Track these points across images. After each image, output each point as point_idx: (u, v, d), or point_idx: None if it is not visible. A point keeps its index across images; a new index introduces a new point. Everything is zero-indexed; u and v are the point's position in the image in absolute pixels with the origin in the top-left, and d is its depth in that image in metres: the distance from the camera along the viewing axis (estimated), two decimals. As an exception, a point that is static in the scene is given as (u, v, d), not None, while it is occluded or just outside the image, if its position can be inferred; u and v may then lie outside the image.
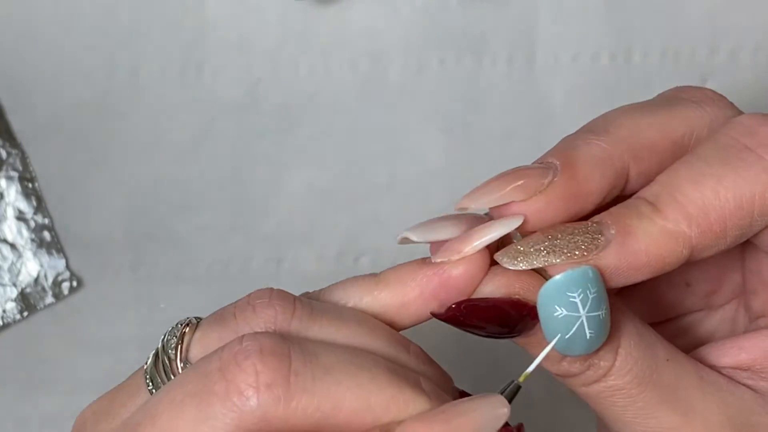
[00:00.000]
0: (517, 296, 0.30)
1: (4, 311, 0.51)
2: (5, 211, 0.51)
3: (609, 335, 0.31)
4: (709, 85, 0.51)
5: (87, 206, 0.51)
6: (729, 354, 0.33)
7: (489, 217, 0.31)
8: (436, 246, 0.31)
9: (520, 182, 0.31)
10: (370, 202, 0.51)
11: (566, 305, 0.29)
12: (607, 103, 0.51)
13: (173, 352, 0.30)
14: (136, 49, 0.50)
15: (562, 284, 0.29)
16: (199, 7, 0.50)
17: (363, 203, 0.51)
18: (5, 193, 0.51)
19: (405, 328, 0.31)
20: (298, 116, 0.51)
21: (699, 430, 0.32)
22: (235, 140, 0.51)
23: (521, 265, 0.30)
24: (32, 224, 0.51)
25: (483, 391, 0.30)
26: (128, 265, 0.52)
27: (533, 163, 0.32)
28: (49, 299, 0.51)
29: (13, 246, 0.51)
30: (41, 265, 0.51)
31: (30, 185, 0.51)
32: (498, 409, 0.28)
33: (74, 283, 0.51)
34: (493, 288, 0.30)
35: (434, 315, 0.31)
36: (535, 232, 0.31)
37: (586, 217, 0.31)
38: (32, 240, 0.51)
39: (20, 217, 0.51)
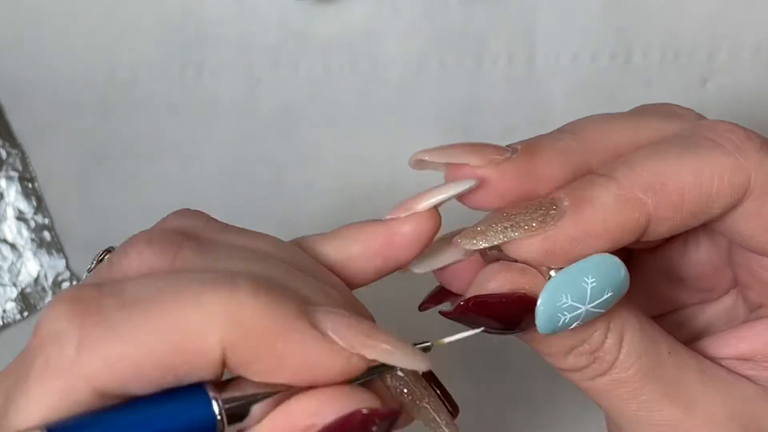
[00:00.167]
0: (523, 291, 0.30)
1: (4, 311, 0.51)
2: (5, 211, 0.51)
3: (612, 328, 0.31)
4: (709, 86, 0.51)
5: (87, 206, 0.51)
6: (729, 345, 0.33)
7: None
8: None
9: (478, 149, 0.31)
10: (370, 202, 0.51)
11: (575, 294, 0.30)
12: (607, 103, 0.51)
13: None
14: (136, 49, 0.50)
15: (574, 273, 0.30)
16: (199, 7, 0.50)
17: (363, 203, 0.51)
18: (5, 193, 0.51)
19: (356, 287, 0.31)
20: (298, 116, 0.51)
21: (701, 424, 0.32)
22: (235, 140, 0.51)
23: (481, 243, 0.30)
24: (32, 224, 0.51)
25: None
26: (128, 265, 0.52)
27: None
28: (49, 299, 0.51)
29: (13, 246, 0.51)
30: (41, 265, 0.51)
31: (30, 185, 0.51)
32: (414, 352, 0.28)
33: (74, 283, 0.51)
34: (498, 284, 0.30)
35: (444, 314, 0.31)
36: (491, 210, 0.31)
37: None
38: (32, 240, 0.51)
39: (20, 217, 0.51)
